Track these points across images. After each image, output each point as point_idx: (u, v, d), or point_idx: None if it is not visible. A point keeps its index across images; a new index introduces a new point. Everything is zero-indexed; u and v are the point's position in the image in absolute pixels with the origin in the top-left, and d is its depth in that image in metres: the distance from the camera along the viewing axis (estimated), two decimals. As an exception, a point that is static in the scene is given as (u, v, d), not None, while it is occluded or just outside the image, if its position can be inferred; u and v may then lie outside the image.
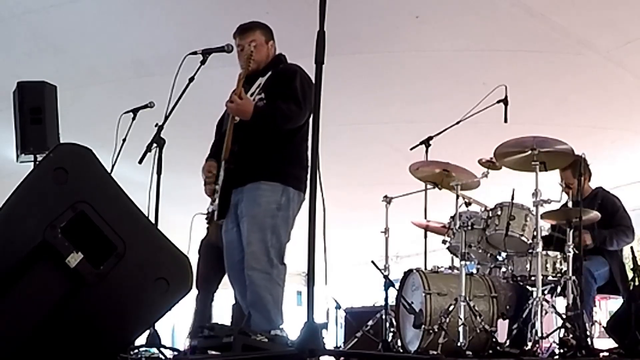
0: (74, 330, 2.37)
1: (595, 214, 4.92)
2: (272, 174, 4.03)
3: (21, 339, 2.31)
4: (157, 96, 4.51)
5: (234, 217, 4.12)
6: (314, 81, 2.70)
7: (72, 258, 2.34)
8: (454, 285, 4.70)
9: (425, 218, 5.67)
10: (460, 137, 5.68)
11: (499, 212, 4.85)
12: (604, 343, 4.67)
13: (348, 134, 7.34)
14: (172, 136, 4.21)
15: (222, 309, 5.49)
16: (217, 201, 4.19)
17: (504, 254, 5.00)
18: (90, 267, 2.37)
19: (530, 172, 4.57)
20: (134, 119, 4.77)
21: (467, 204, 5.07)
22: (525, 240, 4.75)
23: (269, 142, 4.05)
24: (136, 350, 3.72)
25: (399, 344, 4.98)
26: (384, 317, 5.13)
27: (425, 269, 5.20)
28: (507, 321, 4.87)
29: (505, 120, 5.08)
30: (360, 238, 9.12)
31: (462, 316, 4.46)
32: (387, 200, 5.74)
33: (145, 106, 4.77)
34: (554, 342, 4.41)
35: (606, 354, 4.15)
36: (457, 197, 4.88)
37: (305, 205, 3.58)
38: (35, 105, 5.01)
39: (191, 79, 4.16)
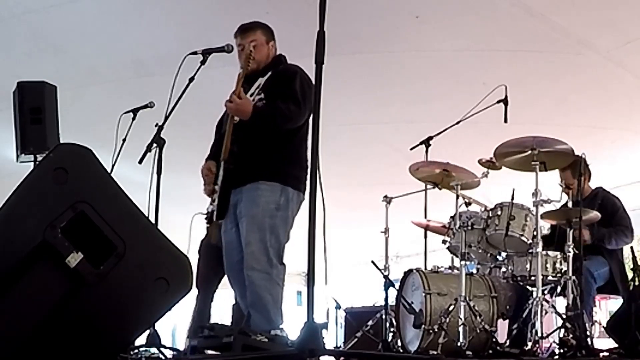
0: (74, 330, 2.37)
1: (595, 214, 4.92)
2: (271, 174, 4.03)
3: (21, 339, 2.31)
4: (157, 96, 4.51)
5: (233, 218, 4.12)
6: (314, 81, 2.70)
7: (72, 258, 2.34)
8: (454, 285, 4.70)
9: (425, 218, 5.67)
10: (460, 137, 5.68)
11: (499, 212, 4.85)
12: (604, 343, 4.67)
13: (348, 134, 7.33)
14: (172, 136, 4.21)
15: (222, 309, 5.49)
16: (216, 201, 4.19)
17: (504, 254, 5.00)
18: (90, 267, 2.37)
19: (530, 172, 4.57)
20: (134, 119, 4.77)
21: (467, 204, 5.07)
22: (525, 240, 4.75)
23: (269, 143, 4.05)
24: (136, 350, 3.72)
25: (399, 344, 4.98)
26: (384, 317, 5.13)
27: (425, 269, 5.20)
28: (507, 321, 4.87)
29: (505, 120, 5.08)
30: (360, 238, 9.11)
31: (462, 316, 4.46)
32: (387, 200, 5.74)
33: (145, 106, 4.77)
34: (554, 342, 4.41)
35: (606, 354, 4.15)
36: (457, 197, 4.88)
37: (305, 205, 3.58)
38: (35, 105, 5.01)
39: (191, 79, 4.16)
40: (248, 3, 5.30)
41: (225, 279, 4.49)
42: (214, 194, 4.23)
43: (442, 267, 5.12)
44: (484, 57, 6.14)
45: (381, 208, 5.75)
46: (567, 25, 5.59)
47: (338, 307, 6.26)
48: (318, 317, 2.51)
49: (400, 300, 4.97)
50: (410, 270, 5.05)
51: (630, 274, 4.57)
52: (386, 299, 5.05)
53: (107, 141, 4.57)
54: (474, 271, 5.07)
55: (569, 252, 4.63)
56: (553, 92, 6.68)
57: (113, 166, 4.49)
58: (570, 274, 4.59)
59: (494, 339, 4.55)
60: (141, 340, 3.74)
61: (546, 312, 4.45)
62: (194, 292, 5.20)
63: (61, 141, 4.88)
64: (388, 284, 5.03)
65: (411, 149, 5.60)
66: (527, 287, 4.86)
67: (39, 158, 4.87)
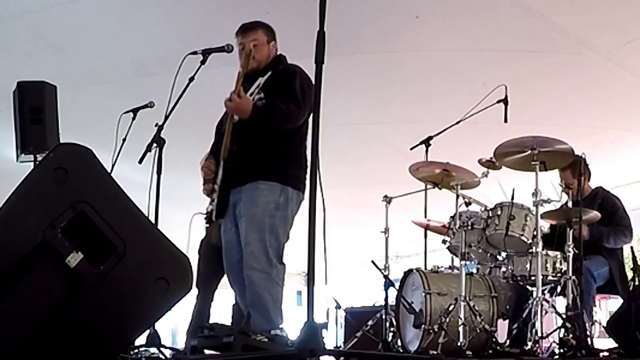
0: (74, 330, 2.37)
1: (595, 214, 4.92)
2: (271, 174, 4.02)
3: (21, 339, 2.31)
4: (157, 96, 4.51)
5: (232, 217, 4.12)
6: (314, 81, 2.70)
7: (72, 258, 2.34)
8: (454, 285, 4.70)
9: (426, 218, 5.67)
10: (460, 137, 5.68)
11: (499, 212, 4.85)
12: (604, 343, 4.67)
13: (348, 134, 7.33)
14: (172, 136, 4.21)
15: (222, 309, 5.49)
16: (215, 200, 4.19)
17: (504, 254, 4.99)
18: (90, 267, 2.37)
19: (530, 172, 4.57)
20: (134, 119, 4.77)
21: (467, 204, 5.07)
22: (525, 240, 4.75)
23: (268, 142, 4.05)
24: (136, 350, 3.73)
25: (399, 344, 4.98)
26: (384, 317, 5.13)
27: (425, 268, 5.20)
28: (507, 321, 4.87)
29: (505, 120, 5.08)
30: (360, 238, 9.11)
31: (462, 316, 4.46)
32: (387, 200, 5.74)
33: (145, 106, 4.77)
34: (554, 342, 4.41)
35: (606, 354, 4.15)
36: (457, 197, 4.88)
37: (305, 205, 3.58)
38: (35, 105, 5.01)
39: (191, 79, 4.16)
40: (248, 3, 5.30)
41: (225, 278, 4.49)
42: (214, 193, 4.24)
43: (442, 267, 5.12)
44: (484, 57, 6.14)
45: (381, 208, 5.75)
46: (567, 25, 5.59)
47: (338, 307, 6.26)
48: (318, 317, 2.51)
49: (400, 300, 4.97)
50: (410, 270, 5.05)
51: (630, 274, 4.57)
52: (386, 299, 5.05)
53: (107, 141, 4.57)
54: (474, 271, 5.06)
55: (569, 252, 4.63)
56: (553, 92, 6.68)
57: (113, 166, 4.49)
58: (570, 274, 4.59)
59: (494, 339, 4.55)
60: (141, 340, 3.74)
61: (546, 312, 4.45)
62: (194, 292, 5.20)
63: (61, 141, 4.89)
64: (388, 284, 5.04)
65: (411, 149, 5.60)
66: (527, 287, 4.86)
67: (39, 158, 4.87)
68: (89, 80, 6.46)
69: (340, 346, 5.99)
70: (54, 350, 2.35)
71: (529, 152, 4.59)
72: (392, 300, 5.07)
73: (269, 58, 4.22)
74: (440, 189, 5.35)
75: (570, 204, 4.88)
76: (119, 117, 4.75)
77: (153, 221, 3.88)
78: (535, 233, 4.59)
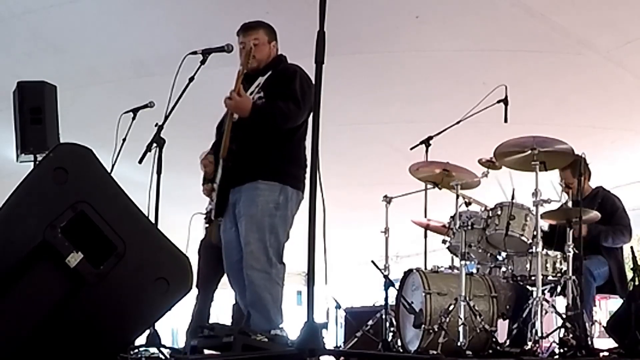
0: (74, 330, 2.37)
1: (595, 214, 4.92)
2: (270, 173, 4.02)
3: (21, 339, 2.31)
4: (157, 96, 4.51)
5: (232, 217, 4.12)
6: (314, 81, 2.70)
7: (72, 258, 2.34)
8: (454, 285, 4.70)
9: (426, 218, 5.67)
10: (460, 137, 5.68)
11: (499, 212, 4.85)
12: (604, 343, 4.67)
13: (348, 134, 7.33)
14: (172, 136, 4.21)
15: (222, 309, 5.49)
16: (215, 200, 4.19)
17: (504, 254, 4.99)
18: (90, 267, 2.37)
19: (530, 172, 4.57)
20: (134, 118, 4.77)
21: (467, 204, 5.07)
22: (525, 240, 4.75)
23: (268, 141, 4.05)
24: (136, 350, 3.73)
25: (399, 343, 4.98)
26: (384, 317, 5.13)
27: (425, 268, 5.20)
28: (507, 321, 4.87)
29: (505, 120, 5.09)
30: (360, 238, 9.11)
31: (462, 316, 4.46)
32: (387, 200, 5.74)
33: (145, 106, 4.77)
34: (554, 342, 4.41)
35: (606, 354, 4.15)
36: (457, 197, 4.88)
37: (305, 205, 3.58)
38: (35, 105, 5.01)
39: (191, 79, 4.16)
40: (248, 3, 5.30)
41: (225, 278, 4.49)
42: (213, 192, 4.24)
43: (442, 267, 5.12)
44: (484, 57, 6.14)
45: (381, 208, 5.75)
46: (567, 25, 5.59)
47: (338, 307, 6.26)
48: (318, 317, 2.51)
49: (400, 300, 4.97)
50: (410, 270, 5.05)
51: (630, 274, 4.57)
52: (386, 299, 5.05)
53: (107, 141, 4.57)
54: (474, 271, 5.06)
55: (569, 251, 4.63)
56: (553, 92, 6.68)
57: (113, 166, 4.49)
58: (570, 274, 4.59)
59: (494, 339, 4.54)
60: (141, 340, 3.74)
61: (546, 312, 4.45)
62: (194, 292, 5.21)
63: (61, 141, 4.89)
64: (388, 283, 5.04)
65: (411, 149, 5.60)
66: (527, 286, 4.86)
67: (39, 158, 4.87)
68: (89, 80, 6.47)
69: (340, 346, 5.99)
70: (54, 350, 2.35)
71: (529, 152, 4.59)
72: (392, 300, 5.07)
73: (270, 58, 4.22)
74: (440, 189, 5.35)
75: (570, 204, 4.88)
76: (119, 117, 4.75)
77: (153, 221, 3.88)
78: (535, 233, 4.59)
